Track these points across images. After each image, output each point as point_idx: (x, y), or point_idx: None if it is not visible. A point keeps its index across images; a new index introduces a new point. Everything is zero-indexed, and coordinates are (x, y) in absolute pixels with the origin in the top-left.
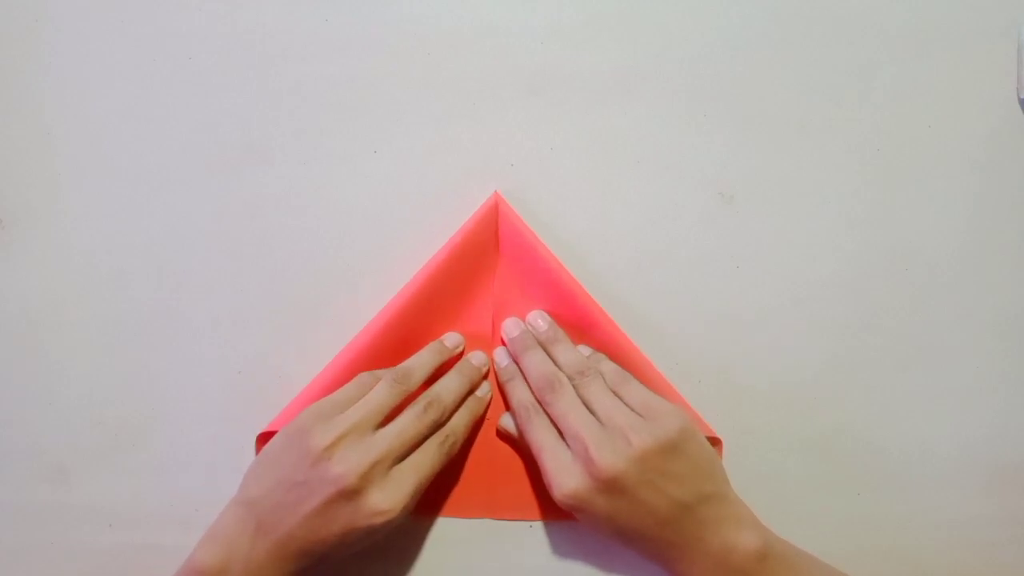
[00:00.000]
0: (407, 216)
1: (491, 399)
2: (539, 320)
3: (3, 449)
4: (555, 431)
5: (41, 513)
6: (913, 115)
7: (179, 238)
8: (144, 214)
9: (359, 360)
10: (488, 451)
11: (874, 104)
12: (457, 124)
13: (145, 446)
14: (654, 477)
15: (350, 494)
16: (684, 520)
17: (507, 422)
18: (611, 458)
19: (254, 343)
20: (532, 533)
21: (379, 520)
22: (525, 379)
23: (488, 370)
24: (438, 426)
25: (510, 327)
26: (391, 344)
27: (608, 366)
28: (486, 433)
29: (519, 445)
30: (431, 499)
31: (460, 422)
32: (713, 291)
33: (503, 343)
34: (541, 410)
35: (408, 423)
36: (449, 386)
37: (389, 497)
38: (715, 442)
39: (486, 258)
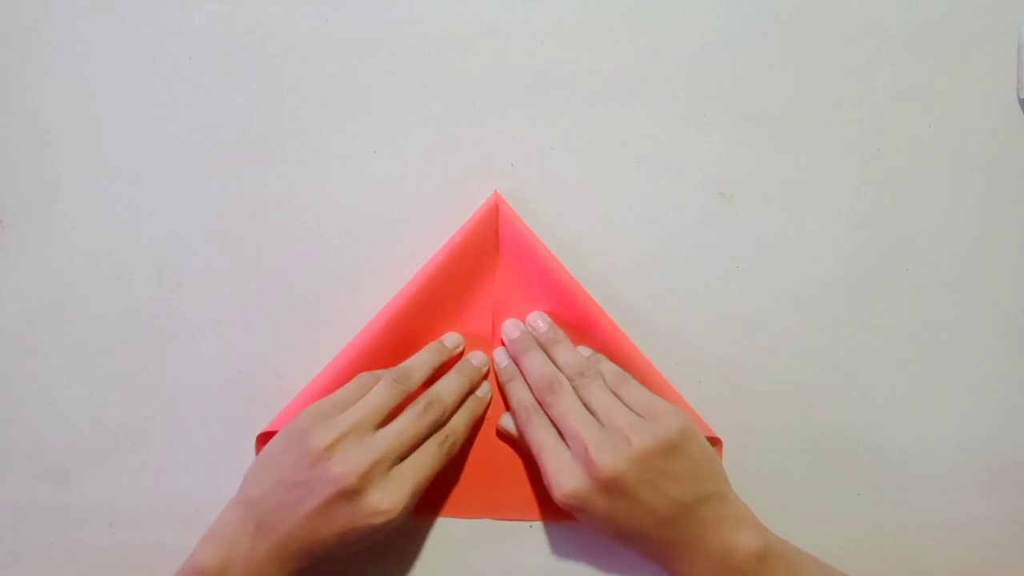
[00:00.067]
0: (407, 216)
1: (491, 399)
2: (539, 321)
3: (3, 449)
4: (555, 431)
5: (41, 513)
6: (913, 115)
7: (179, 238)
8: (144, 214)
9: (359, 360)
10: (488, 451)
11: (874, 104)
12: (457, 124)
13: (145, 446)
14: (654, 477)
15: (350, 494)
16: (684, 520)
17: (507, 422)
18: (611, 458)
19: (254, 343)
20: (532, 533)
21: (379, 520)
22: (525, 380)
23: (488, 370)
24: (438, 426)
25: (510, 328)
26: (391, 344)
27: (608, 367)
28: (486, 433)
29: (519, 445)
30: (431, 499)
31: (460, 422)
32: (713, 291)
33: (503, 343)
34: (541, 410)
35: (408, 423)
36: (449, 386)
37: (389, 497)
38: (715, 442)
39: (486, 258)
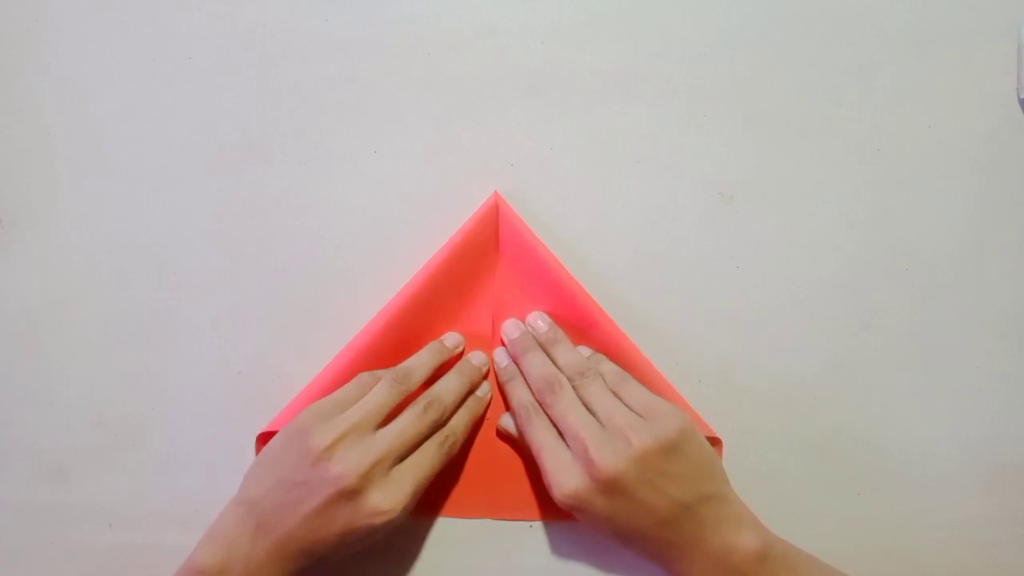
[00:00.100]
0: (407, 216)
1: (491, 399)
2: (539, 321)
3: (3, 449)
4: (555, 431)
5: (41, 513)
6: (913, 115)
7: (179, 238)
8: (144, 214)
9: (359, 360)
10: (488, 451)
11: (874, 104)
12: (457, 124)
13: (145, 446)
14: (654, 477)
15: (350, 494)
16: (684, 520)
17: (507, 422)
18: (611, 458)
19: (254, 343)
20: (532, 533)
21: (379, 520)
22: (525, 380)
23: (488, 370)
24: (438, 426)
25: (510, 328)
26: (391, 344)
27: (608, 367)
28: (486, 433)
29: (519, 445)
30: (431, 499)
31: (460, 422)
32: (713, 291)
33: (503, 343)
34: (541, 410)
35: (408, 423)
36: (449, 386)
37: (389, 497)
38: (715, 442)
39: (486, 258)
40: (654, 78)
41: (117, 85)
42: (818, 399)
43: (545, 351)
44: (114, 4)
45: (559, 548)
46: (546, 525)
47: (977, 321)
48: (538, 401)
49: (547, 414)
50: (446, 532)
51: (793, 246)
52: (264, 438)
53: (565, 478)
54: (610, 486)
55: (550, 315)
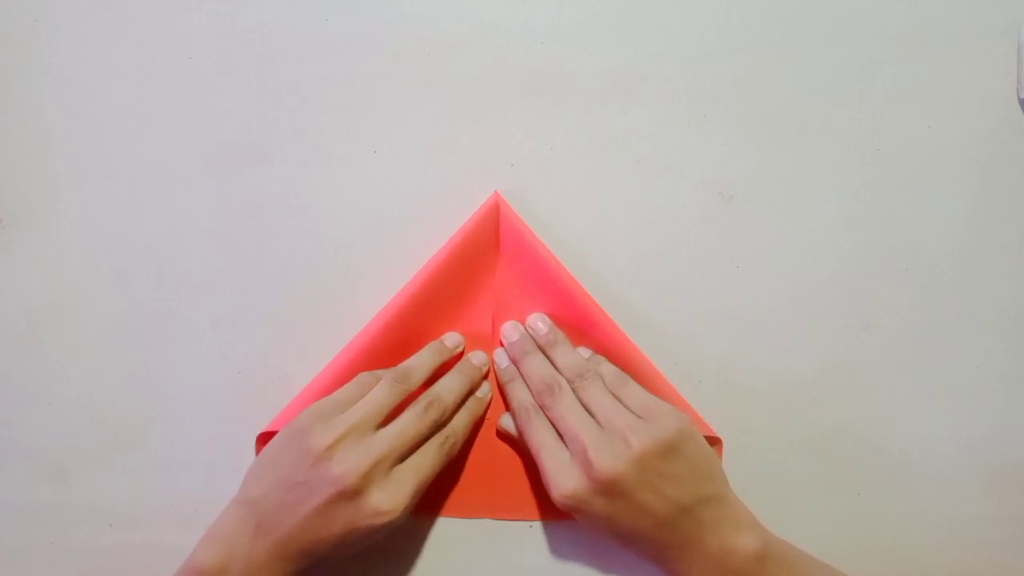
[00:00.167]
0: (407, 216)
1: (491, 399)
2: (539, 323)
3: (3, 449)
4: (555, 432)
5: (41, 513)
6: (913, 115)
7: (179, 238)
8: (144, 214)
9: (359, 360)
10: (488, 451)
11: (874, 104)
12: (457, 124)
13: (145, 446)
14: (653, 478)
15: (350, 494)
16: (683, 522)
17: (507, 423)
18: (610, 460)
19: (254, 343)
20: (532, 533)
21: (379, 520)
22: (525, 382)
23: (488, 370)
24: (439, 426)
25: (509, 331)
26: (391, 344)
27: (607, 368)
28: (486, 433)
29: (519, 446)
30: (431, 499)
31: (460, 423)
32: (713, 291)
33: (503, 345)
34: (541, 411)
35: (409, 423)
36: (450, 386)
37: (389, 497)
38: (715, 442)
39: (486, 258)
40: (654, 78)
41: (117, 85)
42: (818, 399)
43: (545, 353)
44: (114, 4)
45: (559, 548)
46: (546, 525)
47: (977, 321)
48: (538, 403)
49: (547, 416)
50: (446, 532)
51: (793, 246)
52: (264, 438)
53: (564, 479)
54: (609, 487)
55: (550, 315)
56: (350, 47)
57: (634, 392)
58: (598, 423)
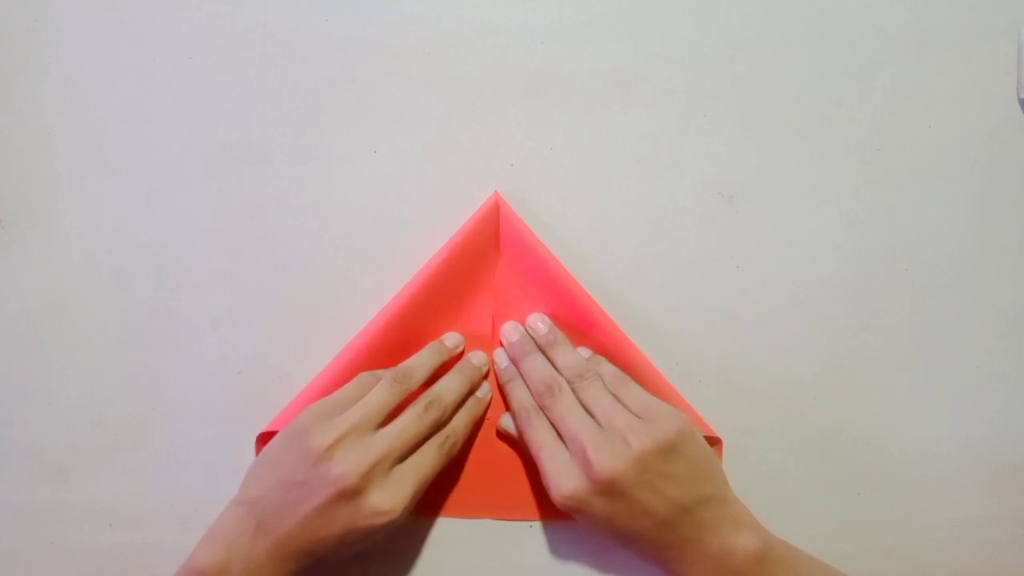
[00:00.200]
0: (407, 216)
1: (491, 399)
2: (539, 323)
3: (3, 449)
4: (555, 433)
5: (41, 513)
6: (913, 115)
7: (179, 238)
8: (144, 214)
9: (359, 360)
10: (488, 451)
11: (874, 104)
12: (457, 124)
13: (145, 446)
14: (652, 479)
15: (350, 494)
16: (682, 522)
17: (507, 423)
18: (609, 460)
19: (254, 343)
20: (532, 533)
21: (379, 520)
22: (525, 382)
23: (488, 370)
24: (439, 426)
25: (509, 331)
26: (391, 344)
27: (607, 368)
28: (486, 433)
29: (519, 446)
30: (431, 499)
31: (460, 423)
32: (713, 291)
33: (503, 345)
34: (541, 411)
35: (409, 423)
36: (450, 386)
37: (389, 497)
38: (715, 442)
39: (486, 258)
40: (654, 78)
41: (117, 85)
42: (818, 399)
43: (544, 353)
44: (114, 4)
45: (559, 548)
46: (546, 525)
47: (977, 321)
48: (538, 404)
49: (547, 416)
50: (446, 532)
51: (793, 246)
52: (264, 438)
53: (563, 479)
54: (608, 487)
55: (550, 315)
56: (350, 47)
57: (634, 392)
58: (598, 423)
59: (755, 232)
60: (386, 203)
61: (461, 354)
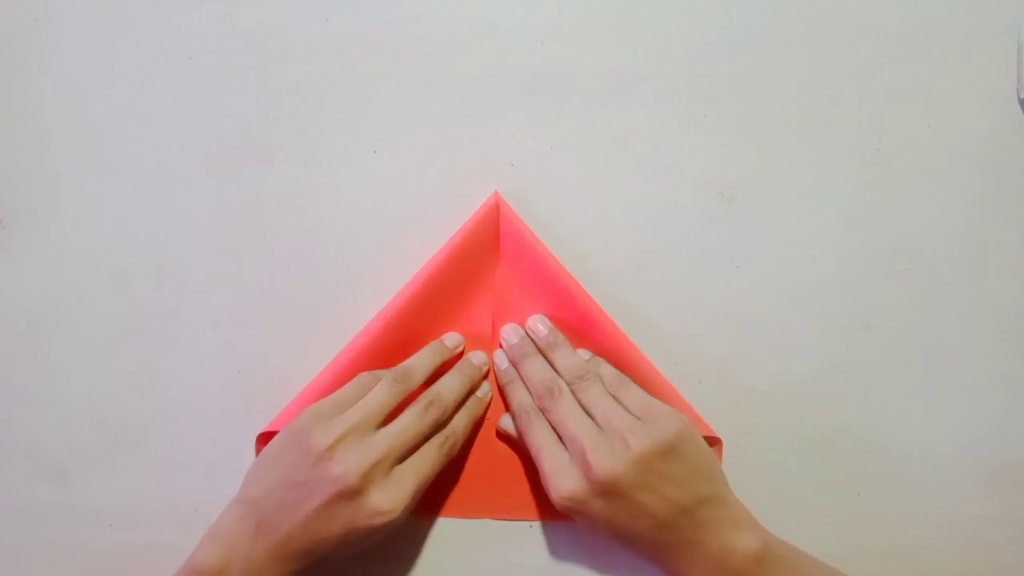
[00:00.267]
0: (407, 216)
1: (491, 399)
2: (539, 325)
3: (3, 449)
4: (554, 433)
5: (41, 513)
6: (913, 115)
7: (179, 238)
8: (144, 214)
9: (359, 360)
10: (488, 451)
11: (874, 104)
12: (457, 124)
13: (145, 446)
14: (652, 480)
15: (351, 494)
16: (682, 523)
17: (507, 423)
18: (609, 461)
19: (254, 343)
20: (532, 533)
21: (380, 520)
22: (525, 384)
23: (488, 370)
24: (439, 425)
25: (509, 333)
26: (391, 344)
27: (607, 370)
28: (486, 434)
29: (519, 446)
30: (431, 499)
31: (460, 423)
32: (713, 291)
33: (503, 347)
34: (541, 412)
35: (409, 423)
36: (450, 385)
37: (390, 497)
38: (715, 442)
39: (486, 258)
40: (654, 78)
41: (117, 85)
42: (818, 399)
43: (544, 355)
44: (114, 4)
45: (559, 548)
46: (546, 525)
47: (977, 321)
48: (538, 406)
49: (547, 418)
50: (446, 532)
51: (793, 246)
52: (264, 438)
53: (563, 480)
54: (607, 489)
55: (550, 316)
56: (350, 47)
57: (633, 394)
58: (598, 425)
59: (755, 232)
60: (386, 203)
61: (461, 354)
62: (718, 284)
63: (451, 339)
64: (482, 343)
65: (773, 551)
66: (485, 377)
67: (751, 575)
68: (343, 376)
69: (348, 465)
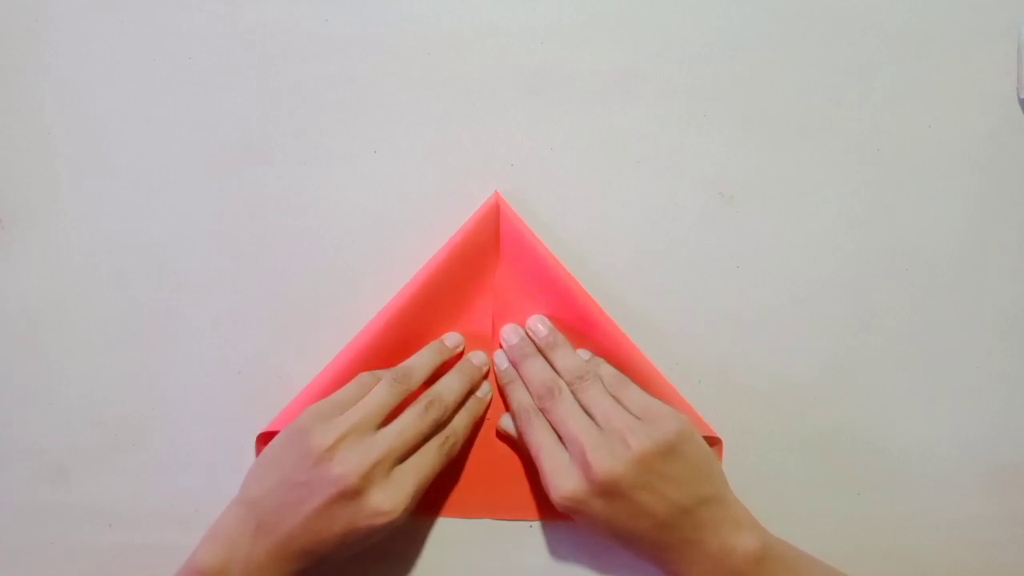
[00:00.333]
0: (407, 216)
1: (491, 400)
2: (539, 325)
3: (3, 449)
4: (554, 434)
5: (41, 513)
6: (913, 115)
7: (179, 238)
8: (144, 214)
9: (359, 360)
10: (488, 451)
11: (874, 104)
12: (457, 124)
13: (145, 446)
14: (652, 480)
15: (351, 495)
16: (682, 523)
17: (507, 423)
18: (608, 461)
19: (254, 343)
20: (532, 533)
21: (380, 521)
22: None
23: (488, 370)
24: (439, 425)
25: (509, 334)
26: (391, 344)
27: (607, 370)
28: (486, 434)
29: (519, 446)
30: (431, 499)
31: (460, 423)
32: (713, 291)
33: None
34: (541, 412)
35: (409, 423)
36: (450, 385)
37: (390, 498)
38: (715, 442)
39: (486, 258)
40: (654, 78)
41: (117, 85)
42: (818, 399)
43: (544, 355)
44: (114, 4)
45: (559, 548)
46: (546, 525)
47: (977, 321)
48: (538, 407)
49: (547, 419)
50: (446, 532)
51: (793, 246)
52: (264, 438)
53: (562, 480)
54: (607, 489)
55: (550, 316)
56: (350, 47)
57: (633, 394)
58: (597, 425)
59: (755, 232)
60: (386, 203)
61: (461, 354)
62: (718, 284)
63: (451, 339)
64: (482, 343)
65: (773, 551)
66: (485, 377)
67: (751, 575)
68: (343, 376)
69: (348, 465)
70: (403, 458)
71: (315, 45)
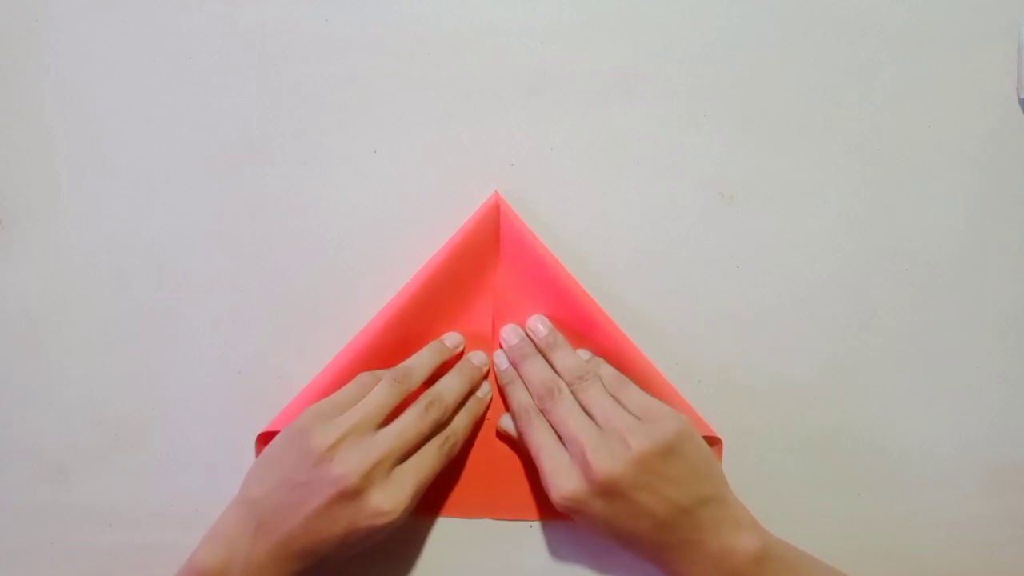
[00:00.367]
0: (407, 216)
1: (491, 399)
2: (539, 325)
3: (3, 449)
4: (554, 434)
5: (41, 513)
6: (913, 115)
7: (179, 238)
8: (144, 214)
9: (359, 360)
10: (488, 451)
11: (874, 104)
12: (457, 124)
13: (145, 446)
14: (652, 480)
15: (351, 495)
16: (682, 523)
17: (507, 423)
18: (608, 461)
19: (254, 343)
20: (532, 533)
21: (380, 521)
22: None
23: (488, 370)
24: (440, 425)
25: (508, 334)
26: (391, 344)
27: (607, 370)
28: (486, 434)
29: (519, 446)
30: (431, 499)
31: (460, 423)
32: (713, 291)
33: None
34: (541, 412)
35: (409, 423)
36: (450, 385)
37: (390, 498)
38: (715, 442)
39: (486, 258)
40: (654, 78)
41: (117, 85)
42: (818, 399)
43: (544, 355)
44: (114, 4)
45: (559, 548)
46: (546, 525)
47: (977, 321)
48: (538, 407)
49: (547, 419)
50: (446, 532)
51: (793, 246)
52: (264, 438)
53: (562, 480)
54: (607, 489)
55: (550, 316)
56: (350, 47)
57: (633, 394)
58: (597, 425)
59: (755, 232)
60: (386, 203)
61: (461, 354)
62: (718, 284)
63: (451, 339)
64: (482, 343)
65: (773, 551)
66: (485, 377)
67: (751, 575)
68: (343, 376)
69: (349, 465)
70: (403, 458)
71: (315, 45)
